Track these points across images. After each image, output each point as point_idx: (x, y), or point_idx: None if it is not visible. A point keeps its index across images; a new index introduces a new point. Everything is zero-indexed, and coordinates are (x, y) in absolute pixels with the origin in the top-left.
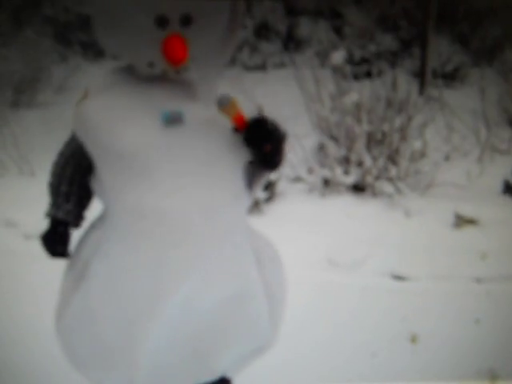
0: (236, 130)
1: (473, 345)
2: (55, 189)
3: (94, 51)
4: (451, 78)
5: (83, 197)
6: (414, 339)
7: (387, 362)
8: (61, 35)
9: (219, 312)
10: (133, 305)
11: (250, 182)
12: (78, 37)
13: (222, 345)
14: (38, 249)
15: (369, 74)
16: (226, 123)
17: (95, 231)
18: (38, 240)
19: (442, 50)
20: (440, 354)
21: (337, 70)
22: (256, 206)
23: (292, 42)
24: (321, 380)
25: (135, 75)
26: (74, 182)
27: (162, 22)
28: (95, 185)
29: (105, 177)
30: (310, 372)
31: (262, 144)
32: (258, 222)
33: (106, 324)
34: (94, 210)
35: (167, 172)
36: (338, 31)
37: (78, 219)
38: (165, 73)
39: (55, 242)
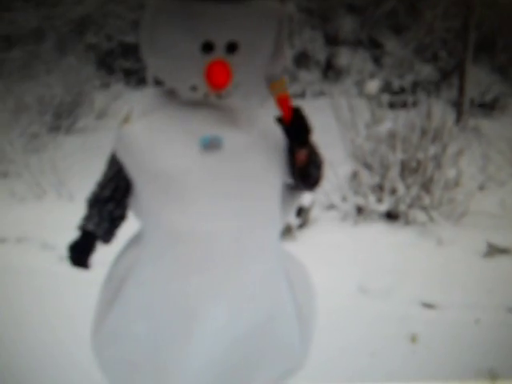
0: (279, 120)
1: (473, 345)
2: (91, 204)
3: (135, 78)
4: (490, 107)
5: (117, 217)
6: (414, 339)
7: (387, 361)
8: (103, 62)
9: (252, 334)
10: (165, 328)
11: (284, 205)
12: (120, 64)
13: (254, 367)
14: (71, 271)
15: (405, 104)
16: (264, 149)
17: (131, 250)
18: None
19: (481, 80)
20: (440, 353)
21: (372, 99)
22: (289, 233)
23: (331, 71)
24: (321, 380)
25: (176, 100)
26: (110, 201)
27: (208, 47)
28: (133, 205)
29: (142, 198)
30: (310, 372)
31: (301, 137)
32: (291, 248)
33: (140, 344)
34: (130, 227)
35: (203, 195)
36: (377, 61)
37: (107, 235)
38: (206, 97)
39: (79, 251)
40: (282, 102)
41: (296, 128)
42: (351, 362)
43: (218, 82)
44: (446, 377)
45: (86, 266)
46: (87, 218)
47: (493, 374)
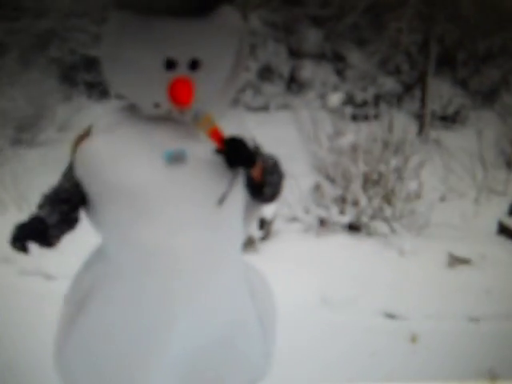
0: (218, 151)
1: (473, 345)
2: (43, 203)
3: (98, 91)
4: (451, 120)
5: (68, 218)
6: (414, 339)
7: (387, 361)
8: (66, 75)
9: (217, 344)
10: (132, 340)
11: (246, 215)
12: (83, 77)
13: (219, 378)
14: (32, 286)
15: (368, 116)
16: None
17: (94, 265)
18: (33, 277)
19: (442, 92)
20: (440, 354)
21: (334, 112)
22: (251, 245)
23: (295, 84)
24: (321, 380)
25: (139, 114)
26: (64, 203)
27: (170, 64)
28: (92, 220)
29: (105, 213)
30: (311, 372)
31: (240, 163)
32: (253, 261)
33: (106, 358)
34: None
35: (168, 209)
36: (340, 74)
37: (55, 229)
38: (169, 113)
39: (23, 232)
40: (213, 135)
41: (232, 157)
42: (351, 362)
43: (181, 99)
44: (445, 377)
45: (25, 248)
46: (39, 208)
47: (493, 374)
